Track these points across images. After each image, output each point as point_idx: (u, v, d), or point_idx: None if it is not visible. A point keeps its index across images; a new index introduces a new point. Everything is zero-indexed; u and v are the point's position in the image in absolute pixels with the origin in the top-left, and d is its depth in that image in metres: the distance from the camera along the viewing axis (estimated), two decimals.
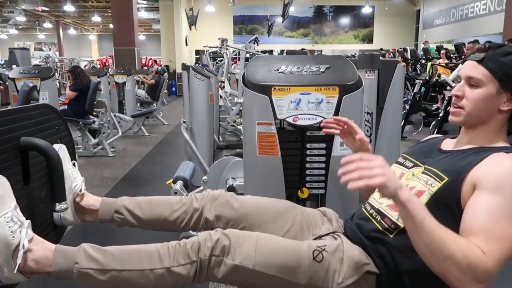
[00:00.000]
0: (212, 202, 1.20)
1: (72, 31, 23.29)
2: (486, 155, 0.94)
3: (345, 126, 1.23)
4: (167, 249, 0.95)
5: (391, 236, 0.99)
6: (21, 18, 16.99)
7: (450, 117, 1.05)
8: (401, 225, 0.97)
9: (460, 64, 5.71)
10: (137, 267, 0.93)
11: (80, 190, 1.19)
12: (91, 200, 1.22)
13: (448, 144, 1.11)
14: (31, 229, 0.94)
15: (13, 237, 0.88)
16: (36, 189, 1.07)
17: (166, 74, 8.33)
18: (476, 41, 6.56)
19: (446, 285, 0.94)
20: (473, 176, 0.92)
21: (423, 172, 1.02)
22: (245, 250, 0.94)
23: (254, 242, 0.96)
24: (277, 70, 1.48)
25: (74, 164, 1.21)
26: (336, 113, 1.44)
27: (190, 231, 2.19)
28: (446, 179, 0.94)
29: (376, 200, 1.11)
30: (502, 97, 0.98)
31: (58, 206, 1.09)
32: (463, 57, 6.76)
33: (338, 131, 1.25)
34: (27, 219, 0.93)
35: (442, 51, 7.79)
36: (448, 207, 0.92)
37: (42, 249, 0.93)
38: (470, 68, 1.00)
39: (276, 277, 0.92)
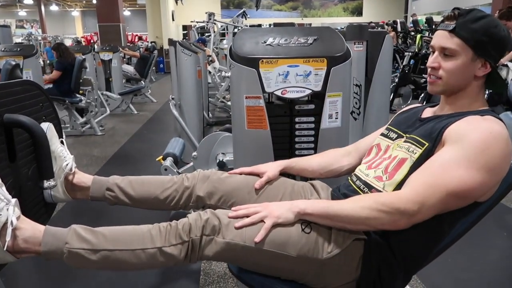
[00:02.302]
0: (203, 181, 1.20)
1: (54, 8, 22.53)
2: (461, 117, 0.97)
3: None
4: (158, 230, 0.95)
5: None
6: None
7: (429, 87, 1.06)
8: None
9: None
10: (128, 247, 0.93)
11: (71, 169, 1.17)
12: (83, 178, 1.21)
13: (428, 112, 1.12)
14: (19, 207, 0.93)
15: (0, 214, 0.87)
16: (23, 167, 1.05)
17: (156, 52, 8.16)
18: None
19: (431, 244, 0.99)
20: (444, 135, 0.95)
21: (405, 141, 1.04)
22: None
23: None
24: (265, 42, 1.46)
25: (62, 142, 1.19)
26: (325, 85, 1.43)
27: (181, 210, 2.21)
28: (427, 144, 0.97)
29: (362, 171, 1.13)
30: (477, 64, 0.99)
31: (46, 183, 1.08)
32: None
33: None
34: (15, 197, 0.91)
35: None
36: None
37: (31, 228, 0.92)
38: (443, 38, 0.99)
39: (267, 251, 0.94)
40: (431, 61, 1.02)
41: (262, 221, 0.96)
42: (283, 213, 0.96)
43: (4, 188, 0.89)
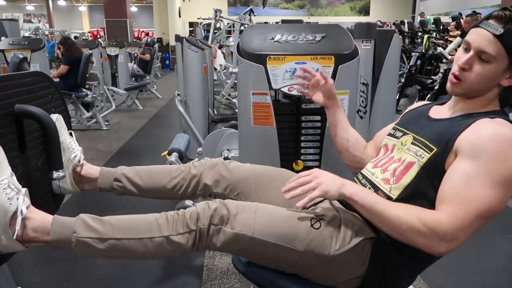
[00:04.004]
0: (211, 169, 1.20)
1: (62, 2, 22.57)
2: (472, 122, 0.94)
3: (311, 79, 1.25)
4: (165, 219, 0.96)
5: None
6: None
7: (449, 87, 1.01)
8: (394, 197, 0.99)
9: (459, 37, 5.61)
10: (136, 236, 0.94)
11: (79, 161, 1.18)
12: (90, 169, 1.22)
13: (436, 112, 1.09)
14: (29, 197, 0.94)
15: (10, 204, 0.88)
16: (33, 158, 1.06)
17: (156, 46, 8.17)
18: (474, 13, 6.44)
19: None
20: (457, 143, 0.92)
21: (412, 143, 1.03)
22: (244, 219, 0.95)
23: (253, 211, 0.97)
24: (272, 39, 1.46)
25: (71, 134, 1.20)
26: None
27: (186, 202, 2.22)
28: (435, 149, 0.95)
29: (369, 170, 1.12)
30: (506, 74, 0.95)
31: (55, 174, 1.09)
32: (459, 29, 6.63)
33: (307, 90, 1.27)
34: (24, 187, 0.92)
35: (452, 23, 7.37)
36: (436, 175, 0.94)
37: (40, 218, 0.93)
38: (485, 41, 0.92)
39: (275, 244, 0.94)
40: (465, 61, 0.95)
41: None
42: (331, 190, 0.94)
43: (14, 177, 0.90)
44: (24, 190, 0.91)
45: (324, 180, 0.95)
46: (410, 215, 0.90)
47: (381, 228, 0.93)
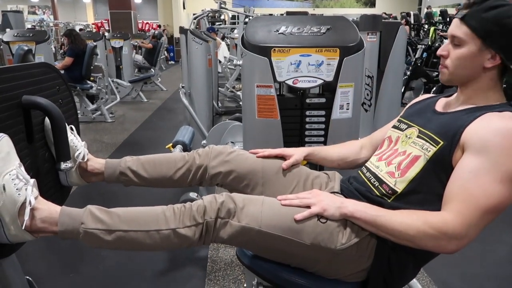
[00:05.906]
0: (216, 158, 1.19)
1: None
2: (478, 115, 0.94)
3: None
4: (172, 211, 0.96)
5: (389, 200, 1.01)
6: None
7: (440, 77, 1.06)
8: (399, 191, 0.99)
9: None
10: (143, 228, 0.94)
11: (83, 158, 1.17)
12: (95, 164, 1.22)
13: (442, 105, 1.09)
14: (37, 188, 0.95)
15: (19, 194, 0.88)
16: (40, 149, 1.06)
17: (163, 38, 8.17)
18: None
19: None
20: (463, 138, 0.92)
21: (418, 136, 1.02)
22: (251, 212, 0.95)
23: (260, 204, 0.98)
24: (277, 31, 1.45)
25: (72, 129, 1.17)
26: (337, 75, 1.43)
27: (190, 194, 2.23)
28: (442, 143, 0.95)
29: (373, 163, 1.12)
30: (485, 54, 0.94)
31: (63, 165, 1.08)
32: None
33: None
34: (32, 178, 0.93)
35: None
36: (443, 169, 0.94)
37: (48, 209, 0.94)
38: (454, 26, 0.98)
39: (282, 237, 0.95)
40: (442, 48, 1.02)
41: (308, 206, 0.97)
42: (331, 208, 0.96)
43: (23, 168, 0.91)
44: (32, 180, 0.92)
45: (323, 199, 0.99)
46: (414, 220, 0.90)
47: (390, 238, 0.93)
